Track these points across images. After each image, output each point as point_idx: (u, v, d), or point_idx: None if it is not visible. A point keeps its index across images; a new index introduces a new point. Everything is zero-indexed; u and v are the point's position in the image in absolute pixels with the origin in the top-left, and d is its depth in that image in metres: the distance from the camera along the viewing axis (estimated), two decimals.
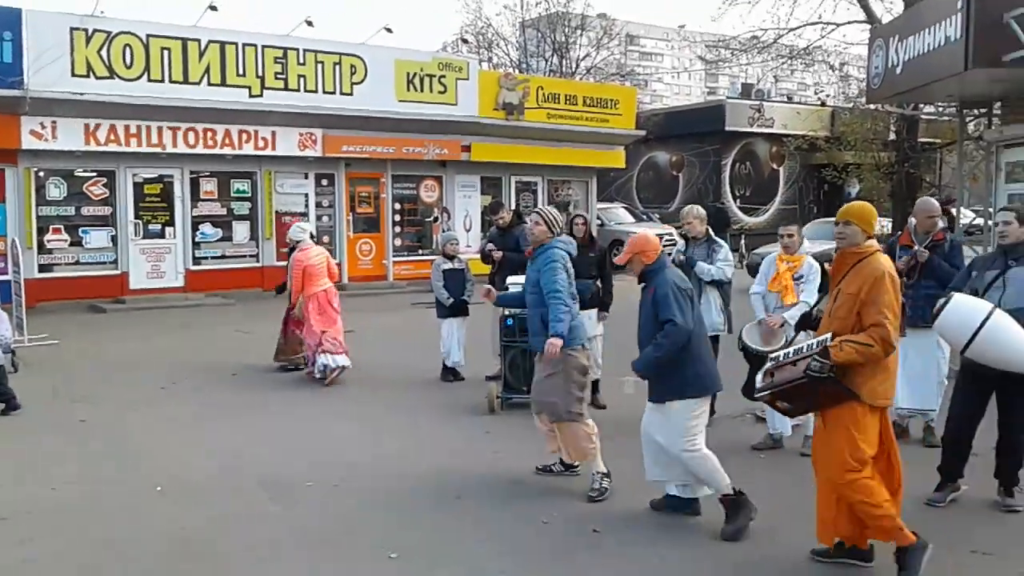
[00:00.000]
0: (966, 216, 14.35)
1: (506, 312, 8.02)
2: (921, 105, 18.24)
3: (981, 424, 5.50)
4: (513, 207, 9.69)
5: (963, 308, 4.97)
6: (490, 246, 9.08)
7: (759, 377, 4.66)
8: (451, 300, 9.23)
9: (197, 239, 16.93)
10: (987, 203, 13.69)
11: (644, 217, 26.87)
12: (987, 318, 4.87)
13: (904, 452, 6.53)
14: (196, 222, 16.91)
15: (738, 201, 30.08)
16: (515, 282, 7.97)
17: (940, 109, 19.92)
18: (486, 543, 4.98)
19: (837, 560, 4.56)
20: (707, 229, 7.50)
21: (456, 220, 20.03)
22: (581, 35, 33.38)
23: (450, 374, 9.40)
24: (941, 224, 6.93)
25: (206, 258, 17.06)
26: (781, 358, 4.58)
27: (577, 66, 33.09)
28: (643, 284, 5.31)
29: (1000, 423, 5.48)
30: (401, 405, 8.36)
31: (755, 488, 5.21)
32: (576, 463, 6.00)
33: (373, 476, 6.17)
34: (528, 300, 5.92)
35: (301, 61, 17.28)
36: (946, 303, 4.97)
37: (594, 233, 8.38)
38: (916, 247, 6.69)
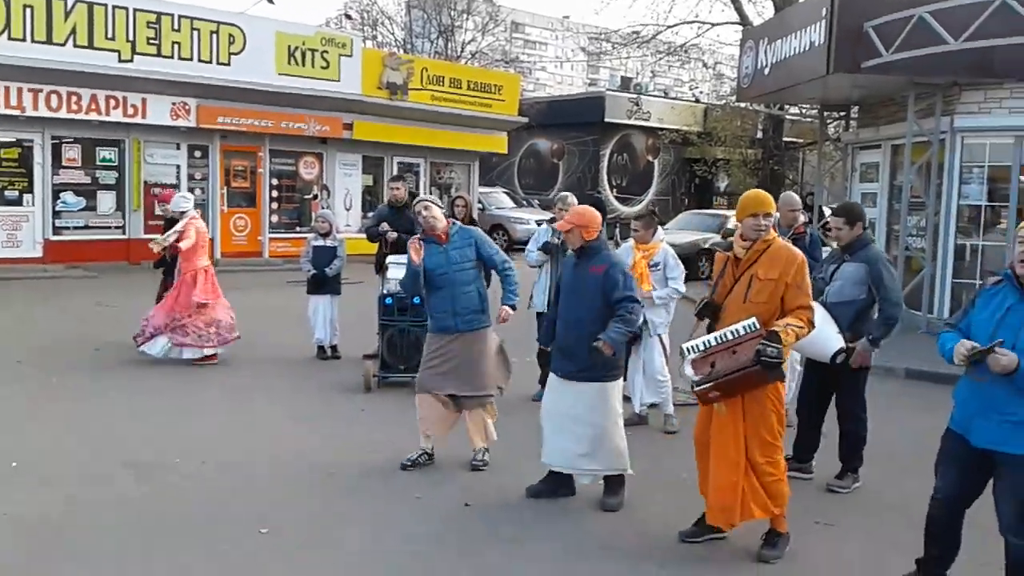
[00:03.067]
0: (826, 212, 15.23)
1: (385, 291, 8.03)
2: (786, 106, 19.23)
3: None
4: (411, 188, 9.39)
5: None
6: (385, 226, 8.77)
7: (687, 367, 4.59)
8: (311, 272, 9.15)
9: (58, 208, 16.09)
10: (843, 200, 14.59)
11: (525, 203, 27.23)
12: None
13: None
14: (57, 190, 16.08)
15: (614, 191, 30.85)
16: (396, 262, 8.00)
17: (803, 110, 21.05)
18: (359, 519, 5.00)
19: (704, 539, 4.76)
20: None
21: (336, 198, 19.77)
22: (467, 19, 33.37)
23: (324, 352, 9.34)
24: (802, 218, 7.38)
25: (67, 228, 16.25)
26: (703, 347, 4.53)
27: (462, 50, 33.08)
28: (578, 258, 5.28)
29: (837, 413, 5.88)
30: (275, 384, 8.24)
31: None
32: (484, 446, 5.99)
33: (244, 456, 6.07)
34: (456, 278, 5.76)
35: (176, 27, 16.63)
36: None
37: (475, 216, 8.44)
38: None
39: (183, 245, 8.74)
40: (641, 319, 5.93)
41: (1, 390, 7.56)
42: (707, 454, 4.69)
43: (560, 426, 5.26)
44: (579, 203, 7.79)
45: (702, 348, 4.52)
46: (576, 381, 5.20)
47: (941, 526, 4.07)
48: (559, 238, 7.59)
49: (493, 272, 6.12)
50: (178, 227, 8.84)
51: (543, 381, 7.82)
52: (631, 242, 7.23)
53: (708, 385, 4.46)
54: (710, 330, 4.65)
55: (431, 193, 21.88)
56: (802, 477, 5.83)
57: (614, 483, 5.30)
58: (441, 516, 5.10)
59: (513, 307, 5.92)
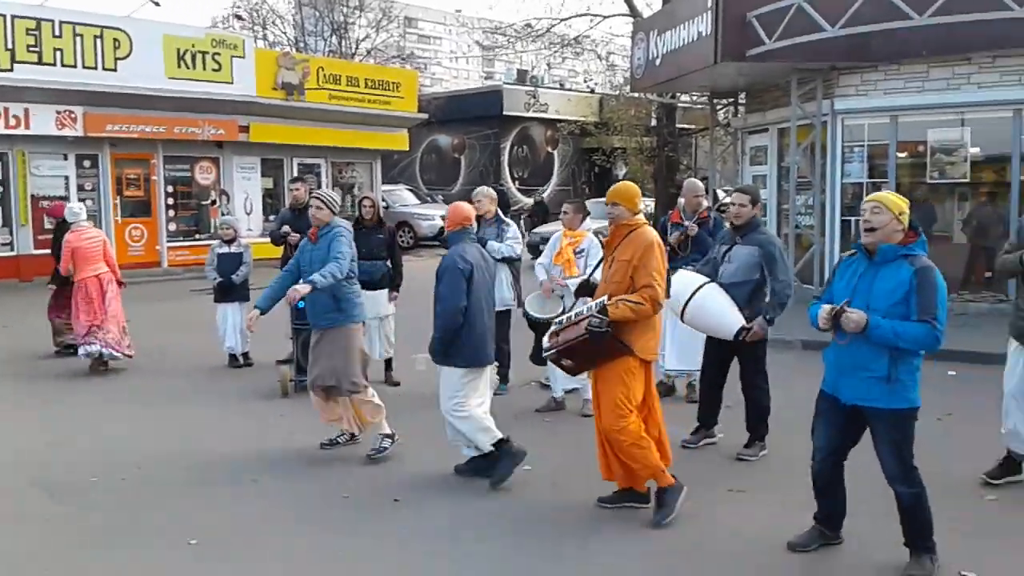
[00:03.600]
0: (720, 195, 15.78)
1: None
2: (678, 94, 19.79)
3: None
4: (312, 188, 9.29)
5: (680, 284, 5.72)
6: (286, 228, 8.59)
7: (545, 339, 5.08)
8: (217, 280, 9.07)
9: None
10: (735, 183, 15.18)
11: (428, 199, 27.24)
12: (694, 292, 5.69)
13: (671, 407, 7.32)
14: None
15: (516, 183, 31.16)
16: None
17: (694, 98, 21.72)
18: (289, 522, 5.03)
19: (620, 505, 5.05)
20: (496, 210, 7.84)
21: (236, 203, 19.39)
22: (360, 16, 33.05)
23: (236, 360, 9.24)
24: (705, 203, 7.73)
25: None
26: (563, 321, 5.04)
27: (357, 47, 32.75)
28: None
29: (741, 384, 6.23)
30: (189, 394, 8.13)
31: (542, 447, 5.62)
32: (359, 432, 6.31)
33: (164, 467, 6.00)
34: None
35: (57, 33, 16.03)
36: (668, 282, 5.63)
37: (381, 215, 8.46)
38: (686, 223, 7.44)
39: (62, 269, 8.99)
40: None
41: None
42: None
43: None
44: (496, 196, 8.00)
45: (563, 323, 5.01)
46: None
47: (826, 481, 4.41)
48: (480, 234, 7.72)
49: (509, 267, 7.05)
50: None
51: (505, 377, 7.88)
52: (562, 231, 7.33)
53: (553, 352, 4.99)
54: None
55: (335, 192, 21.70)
56: (710, 443, 6.21)
57: (499, 460, 5.54)
58: (367, 512, 5.17)
59: (312, 283, 5.79)
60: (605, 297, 4.83)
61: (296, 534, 4.86)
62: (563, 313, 5.68)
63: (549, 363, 7.02)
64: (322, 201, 6.14)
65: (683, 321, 5.85)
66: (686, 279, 5.83)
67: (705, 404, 6.32)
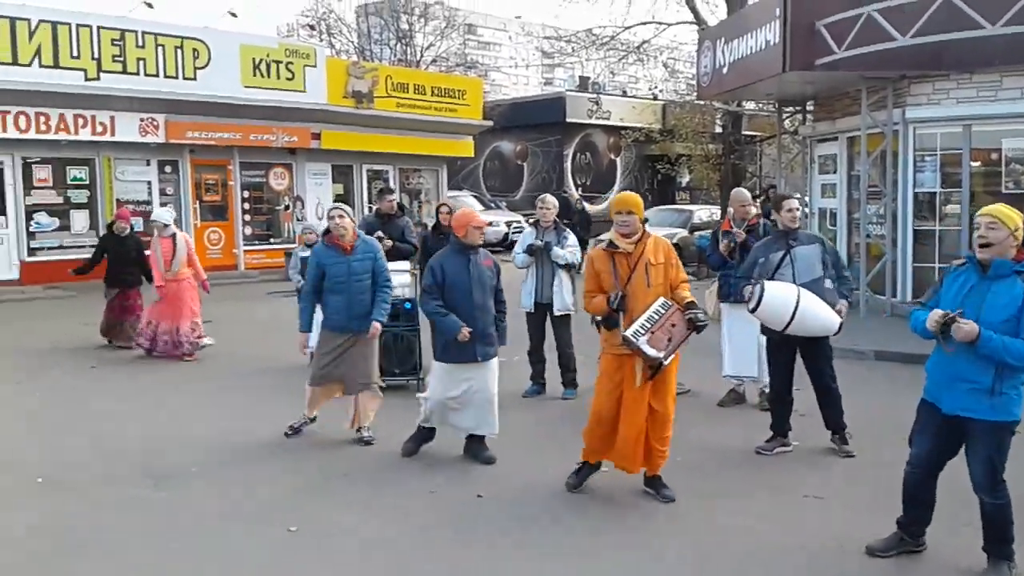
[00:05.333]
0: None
1: None
2: (744, 101, 19.77)
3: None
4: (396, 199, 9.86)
5: (778, 294, 5.83)
6: (379, 234, 9.07)
7: (648, 348, 5.18)
8: (301, 283, 9.41)
9: (32, 229, 16.14)
10: (804, 192, 15.15)
11: (492, 205, 27.56)
12: (799, 300, 5.79)
13: (741, 415, 7.44)
14: (30, 211, 16.11)
15: (579, 190, 31.31)
16: (393, 269, 8.32)
17: (761, 105, 21.60)
18: (379, 514, 5.29)
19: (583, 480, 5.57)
20: (555, 218, 8.09)
21: (308, 208, 19.94)
22: (425, 24, 33.57)
23: None
24: (754, 210, 7.86)
25: (42, 249, 16.29)
26: (642, 330, 5.16)
27: (422, 55, 33.27)
28: (471, 255, 6.14)
29: (812, 379, 6.38)
30: (272, 391, 8.47)
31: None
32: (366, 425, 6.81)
33: (255, 459, 6.34)
34: (355, 287, 6.56)
35: (140, 44, 16.72)
36: (761, 295, 5.77)
37: None
38: (735, 230, 7.59)
39: (163, 266, 9.83)
40: None
41: (8, 407, 7.74)
42: (608, 429, 5.42)
43: (485, 399, 6.15)
44: (557, 204, 8.25)
45: (643, 331, 5.18)
46: (495, 357, 6.23)
47: (916, 489, 4.49)
48: (541, 239, 7.98)
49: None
50: (181, 254, 9.89)
51: (535, 378, 8.19)
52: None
53: (671, 358, 5.23)
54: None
55: (402, 199, 22.14)
56: (785, 451, 6.32)
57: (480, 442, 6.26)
58: (454, 507, 5.41)
59: (381, 323, 6.72)
60: (663, 299, 5.24)
61: (385, 526, 5.10)
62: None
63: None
64: (344, 211, 6.61)
65: (786, 330, 5.92)
66: (781, 289, 5.91)
67: (778, 411, 6.43)
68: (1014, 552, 4.26)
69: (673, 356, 5.25)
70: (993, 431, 4.14)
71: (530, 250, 8.03)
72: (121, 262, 10.50)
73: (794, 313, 5.76)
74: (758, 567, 4.54)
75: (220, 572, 4.55)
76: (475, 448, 6.27)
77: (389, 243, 8.95)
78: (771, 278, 6.12)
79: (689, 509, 5.25)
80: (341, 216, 6.53)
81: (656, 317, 5.17)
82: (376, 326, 6.62)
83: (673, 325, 5.19)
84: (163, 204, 17.51)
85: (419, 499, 5.53)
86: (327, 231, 6.74)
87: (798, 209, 6.45)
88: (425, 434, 6.41)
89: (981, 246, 4.10)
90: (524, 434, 6.83)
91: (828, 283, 6.20)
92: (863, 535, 4.71)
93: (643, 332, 5.16)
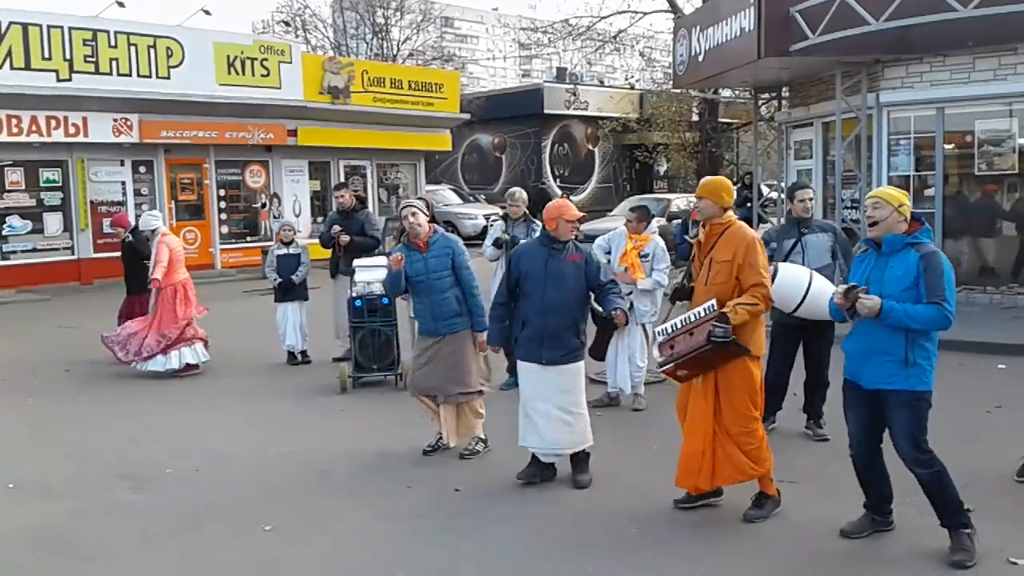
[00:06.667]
0: (765, 191, 15.80)
1: (354, 294, 8.27)
2: (720, 89, 19.80)
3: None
4: (355, 191, 9.68)
5: (790, 276, 5.83)
6: (337, 229, 9.01)
7: (656, 352, 4.98)
8: (278, 281, 9.38)
9: (4, 232, 15.96)
10: (780, 178, 15.20)
11: (471, 198, 27.51)
12: (810, 282, 5.82)
13: None
14: (2, 214, 15.94)
15: (558, 181, 31.31)
16: (363, 265, 8.29)
17: (737, 93, 21.65)
18: (357, 510, 5.27)
19: (697, 505, 5.09)
20: (525, 210, 8.07)
21: (285, 205, 19.82)
22: (401, 17, 33.44)
23: (295, 358, 9.55)
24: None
25: (15, 252, 16.12)
26: (670, 330, 4.87)
27: (399, 49, 33.14)
28: (552, 249, 5.48)
29: (809, 365, 6.46)
30: (251, 391, 8.44)
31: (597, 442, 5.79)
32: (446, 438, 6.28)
33: (234, 460, 6.30)
34: (434, 286, 6.01)
35: (112, 43, 16.53)
36: (774, 275, 5.76)
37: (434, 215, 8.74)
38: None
39: (158, 274, 8.86)
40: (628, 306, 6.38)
41: None
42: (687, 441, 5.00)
43: (548, 412, 5.50)
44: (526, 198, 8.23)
45: (669, 332, 4.90)
46: (564, 364, 5.48)
47: (864, 467, 4.57)
48: (508, 233, 7.95)
49: None
50: (155, 256, 8.94)
51: (511, 370, 8.15)
52: (623, 229, 7.53)
53: (670, 365, 4.85)
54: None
55: (387, 194, 22.06)
56: (772, 427, 6.30)
57: (582, 460, 5.63)
58: (433, 502, 5.39)
59: (484, 331, 6.00)
60: (713, 301, 4.73)
61: (363, 522, 5.09)
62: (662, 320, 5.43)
63: (608, 358, 7.20)
64: (417, 208, 6.04)
65: (795, 311, 5.88)
66: (794, 271, 5.91)
67: (774, 392, 6.41)
68: (969, 519, 4.32)
69: (685, 368, 4.79)
70: (910, 401, 4.26)
71: (497, 243, 8.02)
72: (125, 268, 10.08)
73: (805, 294, 5.79)
74: (734, 551, 4.56)
75: (199, 573, 4.52)
76: (573, 470, 5.66)
77: (346, 239, 8.94)
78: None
79: (663, 495, 5.24)
80: (414, 214, 5.99)
81: (691, 320, 4.78)
82: (480, 338, 6.00)
83: (691, 334, 4.74)
84: (138, 204, 17.36)
85: (397, 495, 5.51)
86: (402, 231, 6.21)
87: (811, 199, 6.51)
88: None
89: (870, 225, 4.34)
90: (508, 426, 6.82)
91: (838, 271, 6.25)
92: (837, 518, 4.74)
93: (666, 333, 4.89)
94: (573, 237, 5.53)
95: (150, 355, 8.89)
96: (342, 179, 20.98)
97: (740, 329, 4.66)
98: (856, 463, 4.59)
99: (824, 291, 5.78)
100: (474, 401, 6.19)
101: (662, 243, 7.49)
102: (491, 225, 8.89)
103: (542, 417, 5.51)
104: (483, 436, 6.26)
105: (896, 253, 4.29)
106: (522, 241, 7.73)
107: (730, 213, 4.93)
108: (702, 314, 4.73)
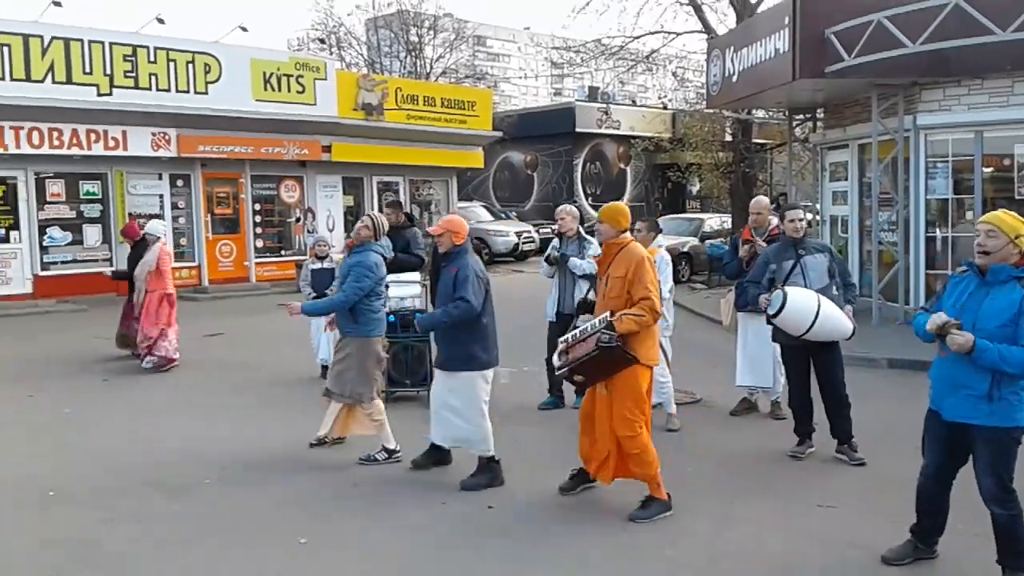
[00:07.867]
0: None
1: (388, 309, 8.29)
2: (754, 109, 19.73)
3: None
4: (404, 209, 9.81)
5: (800, 300, 5.85)
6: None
7: (555, 358, 5.43)
8: (312, 295, 9.45)
9: (45, 243, 16.24)
10: (814, 199, 15.09)
11: (503, 215, 27.58)
12: (819, 306, 5.82)
13: (753, 424, 7.42)
14: (43, 226, 16.23)
15: (589, 199, 31.32)
16: (397, 280, 8.32)
17: (771, 113, 21.55)
18: (389, 525, 5.28)
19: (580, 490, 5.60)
20: (578, 227, 8.06)
21: (319, 220, 20.01)
22: (434, 36, 33.72)
23: (328, 371, 9.57)
24: (774, 221, 7.78)
25: (55, 263, 16.40)
26: (570, 340, 5.34)
27: (432, 67, 33.41)
28: (446, 262, 5.93)
29: (821, 386, 6.37)
30: (284, 402, 8.50)
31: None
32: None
33: (267, 470, 6.34)
34: (440, 299, 6.12)
35: (152, 59, 16.83)
36: (784, 301, 5.75)
37: None
38: (756, 240, 7.54)
39: (145, 275, 9.97)
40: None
41: (18, 422, 7.78)
42: (588, 426, 5.46)
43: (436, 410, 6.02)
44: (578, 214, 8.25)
45: (569, 340, 5.30)
46: (440, 369, 5.99)
47: (929, 497, 4.45)
48: (557, 250, 7.95)
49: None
50: (152, 257, 9.92)
51: (552, 390, 8.11)
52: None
53: (564, 371, 5.31)
54: None
55: (411, 209, 22.15)
56: (859, 461, 6.24)
57: (481, 468, 5.95)
58: (466, 518, 5.39)
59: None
60: (607, 313, 5.13)
61: (396, 536, 5.09)
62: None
63: None
64: (446, 228, 6.18)
65: (804, 335, 5.94)
66: (804, 295, 5.92)
67: (802, 415, 6.45)
68: None
69: (579, 374, 5.22)
70: (994, 438, 4.08)
71: (549, 260, 8.03)
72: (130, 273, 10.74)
73: (815, 319, 5.81)
74: (772, 573, 4.51)
75: None
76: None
77: (391, 256, 8.91)
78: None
79: (700, 519, 5.21)
80: (444, 231, 6.12)
81: (589, 330, 5.21)
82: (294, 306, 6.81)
83: (584, 342, 5.17)
84: (175, 218, 17.63)
85: (429, 510, 5.51)
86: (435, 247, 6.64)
87: (801, 220, 6.51)
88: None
89: (979, 253, 4.09)
90: (536, 449, 6.81)
91: (834, 290, 6.27)
92: (876, 544, 4.67)
93: (566, 342, 5.32)
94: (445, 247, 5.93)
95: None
96: (375, 195, 21.19)
97: (631, 339, 5.07)
98: (921, 492, 4.46)
99: (832, 315, 5.90)
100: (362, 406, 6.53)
101: (667, 256, 7.58)
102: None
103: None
104: (392, 447, 6.52)
105: (1000, 284, 4.03)
106: (573, 259, 7.75)
107: (626, 235, 5.35)
108: (597, 325, 5.16)
